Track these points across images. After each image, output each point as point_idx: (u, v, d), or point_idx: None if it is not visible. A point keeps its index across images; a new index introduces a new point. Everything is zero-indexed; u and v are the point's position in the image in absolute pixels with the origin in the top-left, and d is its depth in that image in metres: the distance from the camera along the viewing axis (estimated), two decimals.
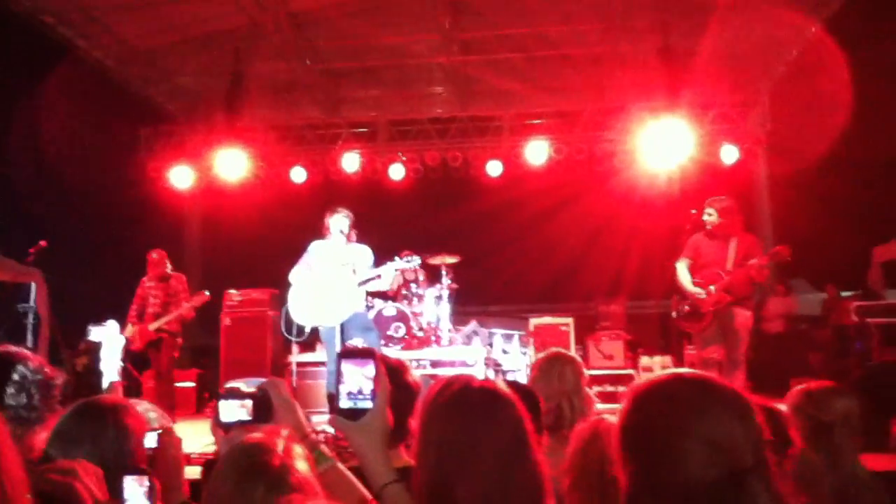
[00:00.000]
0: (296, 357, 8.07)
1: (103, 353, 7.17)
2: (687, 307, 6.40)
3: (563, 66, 11.16)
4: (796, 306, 10.58)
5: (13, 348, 2.38)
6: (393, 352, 8.40)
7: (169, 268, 8.12)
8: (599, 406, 3.82)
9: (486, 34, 10.65)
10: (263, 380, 1.78)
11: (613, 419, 2.32)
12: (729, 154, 10.21)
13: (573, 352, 8.48)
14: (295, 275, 6.75)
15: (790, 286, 10.70)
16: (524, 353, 8.98)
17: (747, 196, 11.68)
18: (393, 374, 2.44)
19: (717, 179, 10.19)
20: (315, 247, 6.78)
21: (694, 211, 6.52)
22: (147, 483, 1.66)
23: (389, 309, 8.63)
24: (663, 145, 9.75)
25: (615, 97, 11.07)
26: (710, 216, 6.33)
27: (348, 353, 1.60)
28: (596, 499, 2.12)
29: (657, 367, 8.29)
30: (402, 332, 8.52)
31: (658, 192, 10.78)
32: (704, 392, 1.37)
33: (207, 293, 8.01)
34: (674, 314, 6.59)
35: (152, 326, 7.76)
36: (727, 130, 10.46)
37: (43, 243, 7.56)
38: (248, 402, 1.68)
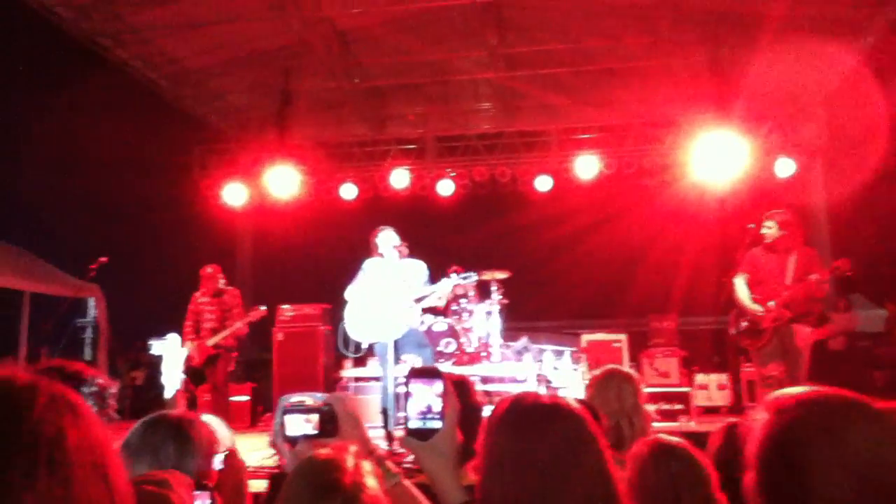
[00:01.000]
0: (349, 372, 8.09)
1: (164, 367, 7.29)
2: (745, 323, 6.25)
3: (609, 80, 11.11)
4: (857, 322, 10.27)
5: (65, 361, 2.42)
6: (444, 367, 8.40)
7: (222, 283, 8.22)
8: (656, 425, 3.71)
9: (532, 49, 10.67)
10: (324, 394, 1.78)
11: (671, 437, 2.29)
12: (785, 167, 10.00)
13: (627, 369, 8.42)
14: (351, 292, 6.80)
15: (851, 302, 10.40)
16: (575, 370, 8.88)
17: (803, 210, 11.40)
18: (458, 391, 2.43)
19: (770, 193, 9.98)
20: (370, 264, 6.83)
21: (752, 225, 6.38)
22: (209, 501, 1.67)
23: (440, 324, 8.62)
24: (716, 159, 9.59)
25: (664, 110, 10.95)
26: (770, 229, 6.19)
27: (417, 373, 1.59)
28: None
29: (713, 384, 8.13)
30: (452, 347, 8.50)
31: (710, 207, 10.61)
32: (870, 419, 1.23)
33: (264, 308, 8.10)
34: (732, 331, 6.44)
35: (210, 342, 7.86)
36: (782, 143, 10.25)
37: (104, 259, 7.73)
38: (314, 417, 1.67)
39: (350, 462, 1.48)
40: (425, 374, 1.57)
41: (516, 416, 1.58)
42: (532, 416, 1.57)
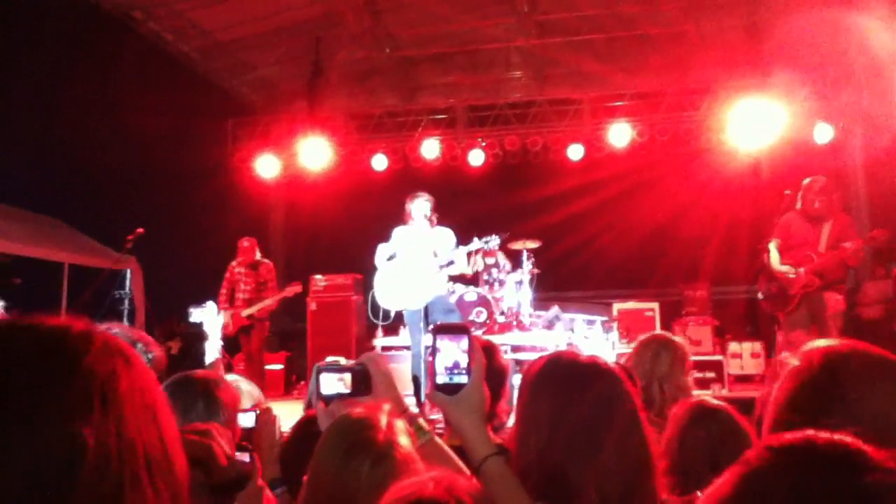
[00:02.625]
0: (380, 340, 8.17)
1: (206, 332, 7.44)
2: (773, 288, 6.15)
3: (643, 45, 10.91)
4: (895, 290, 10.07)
5: (120, 326, 2.47)
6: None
7: (258, 255, 8.35)
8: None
9: (564, 16, 10.51)
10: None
11: (714, 400, 2.28)
12: (823, 133, 9.78)
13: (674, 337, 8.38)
14: (380, 259, 6.83)
15: (889, 269, 10.19)
16: (606, 339, 8.86)
17: (842, 177, 11.18)
18: (485, 355, 2.45)
19: (808, 160, 9.78)
20: (398, 232, 6.85)
21: (788, 191, 6.27)
22: (248, 459, 1.70)
23: (471, 294, 8.64)
24: (752, 125, 9.43)
25: (699, 76, 10.75)
26: (807, 196, 6.06)
27: (443, 329, 1.60)
28: (705, 481, 2.06)
29: (746, 353, 8.06)
30: (483, 316, 8.52)
31: (745, 174, 10.43)
32: (874, 368, 1.23)
33: (299, 285, 8.23)
34: (759, 295, 6.35)
35: (245, 313, 8.01)
36: (821, 108, 10.00)
37: (140, 230, 7.85)
38: (348, 376, 1.70)
39: (383, 420, 1.50)
40: (452, 330, 1.58)
41: (554, 373, 1.60)
42: (570, 374, 1.59)
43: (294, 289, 8.16)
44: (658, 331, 3.49)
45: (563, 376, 1.59)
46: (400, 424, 1.52)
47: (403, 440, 1.48)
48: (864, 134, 10.46)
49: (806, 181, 6.20)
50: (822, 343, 1.32)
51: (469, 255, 7.02)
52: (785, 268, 6.04)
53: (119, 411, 0.78)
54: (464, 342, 1.57)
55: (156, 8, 9.88)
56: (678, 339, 3.43)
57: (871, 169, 10.89)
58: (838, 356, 1.27)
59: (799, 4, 9.12)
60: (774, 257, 6.18)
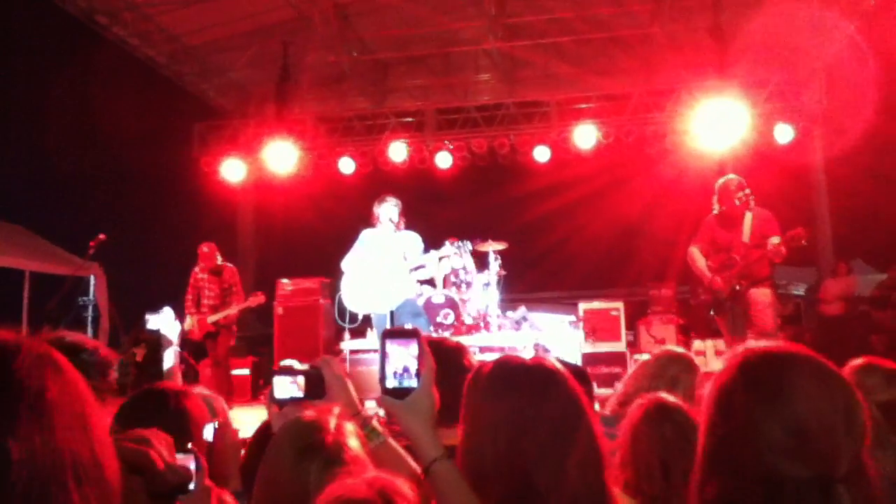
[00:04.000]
0: (348, 344, 8.16)
1: (165, 339, 7.35)
2: (704, 295, 6.19)
3: (612, 48, 11.04)
4: (856, 287, 10.27)
5: (67, 333, 2.44)
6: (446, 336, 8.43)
7: (220, 260, 8.27)
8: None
9: (533, 18, 10.58)
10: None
11: (671, 398, 2.28)
12: (784, 133, 9.94)
13: (623, 336, 8.45)
14: (347, 263, 6.83)
15: (849, 267, 10.40)
16: (573, 339, 8.93)
17: (803, 176, 11.40)
18: (453, 356, 2.46)
19: (770, 160, 9.94)
20: (366, 235, 6.85)
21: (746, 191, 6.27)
22: (193, 463, 1.70)
23: (438, 296, 8.65)
24: (716, 126, 9.57)
25: (666, 78, 10.89)
26: (725, 195, 6.05)
27: (392, 334, 1.61)
28: (655, 480, 2.08)
29: (710, 350, 8.16)
30: (451, 318, 8.53)
31: (709, 174, 10.57)
32: (806, 373, 1.25)
33: (262, 295, 8.18)
34: (693, 302, 6.39)
35: (211, 319, 7.95)
36: (782, 109, 10.17)
37: (102, 236, 7.75)
38: (301, 379, 1.71)
39: (332, 423, 1.51)
40: (401, 334, 1.59)
41: (503, 379, 1.61)
42: (520, 378, 1.60)
43: (257, 300, 8.12)
44: (669, 347, 3.35)
45: (512, 380, 1.60)
46: (349, 427, 1.53)
47: (353, 442, 1.49)
48: (825, 134, 10.66)
49: (720, 182, 6.21)
50: (741, 349, 1.36)
51: (440, 259, 7.05)
52: (709, 275, 6.09)
53: (47, 421, 0.78)
54: (413, 347, 1.58)
55: (122, 13, 9.78)
56: (691, 355, 3.23)
57: (832, 168, 11.10)
58: (753, 357, 1.31)
59: (761, 6, 9.28)
60: (701, 263, 6.19)
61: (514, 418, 1.54)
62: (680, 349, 3.28)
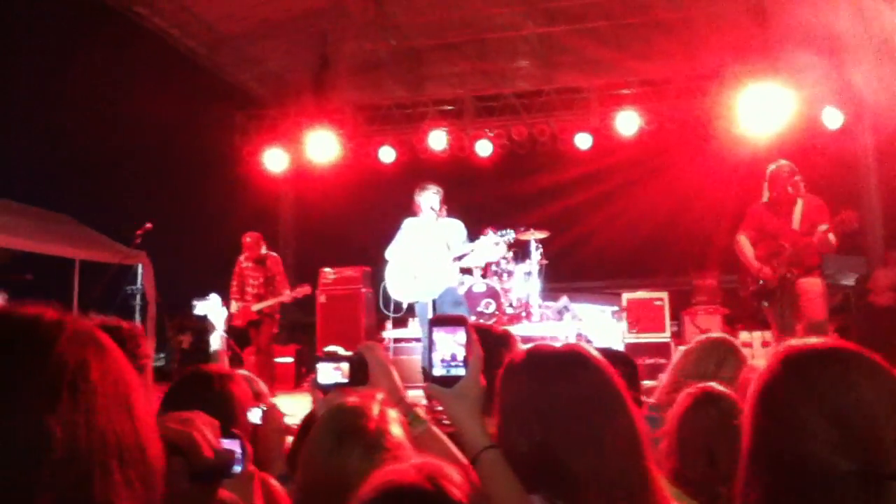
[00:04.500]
0: (390, 333, 8.19)
1: (213, 325, 7.47)
2: (753, 285, 6.03)
3: (652, 31, 10.84)
4: None
5: (104, 318, 2.46)
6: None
7: (264, 249, 8.35)
8: None
9: (571, 2, 10.45)
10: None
11: (720, 388, 2.25)
12: (832, 118, 9.68)
13: (668, 327, 8.34)
14: (391, 252, 6.84)
15: None
16: (616, 329, 8.85)
17: (852, 163, 11.09)
18: (500, 342, 2.45)
19: (818, 146, 9.69)
20: (408, 224, 6.86)
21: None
22: (238, 448, 1.71)
23: (480, 285, 8.63)
24: (761, 110, 9.36)
25: (708, 62, 10.66)
26: (777, 182, 5.91)
27: (439, 321, 1.60)
28: (699, 468, 2.07)
29: (757, 342, 8.00)
30: (492, 308, 8.52)
31: (754, 161, 10.36)
32: (852, 367, 1.24)
33: (308, 287, 8.27)
34: (743, 293, 6.23)
35: (255, 308, 8.04)
36: (830, 93, 9.89)
37: (149, 225, 7.88)
38: (345, 365, 1.71)
39: (375, 409, 1.51)
40: (448, 322, 1.58)
41: (536, 365, 1.60)
42: (551, 364, 1.59)
43: (303, 290, 8.20)
44: (718, 333, 3.34)
45: (544, 367, 1.59)
46: (392, 413, 1.53)
47: (395, 429, 1.48)
48: (875, 117, 10.35)
49: (771, 168, 6.04)
50: (784, 344, 1.35)
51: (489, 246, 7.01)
52: (757, 264, 5.95)
53: (89, 401, 0.77)
54: (460, 334, 1.56)
55: (160, 3, 9.89)
56: (738, 343, 3.23)
57: (882, 153, 10.78)
58: (798, 356, 1.30)
59: None
60: (749, 252, 6.05)
61: (549, 404, 1.53)
62: (721, 334, 3.27)
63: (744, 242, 6.12)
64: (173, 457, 1.11)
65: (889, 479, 1.13)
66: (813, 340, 1.32)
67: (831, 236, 5.52)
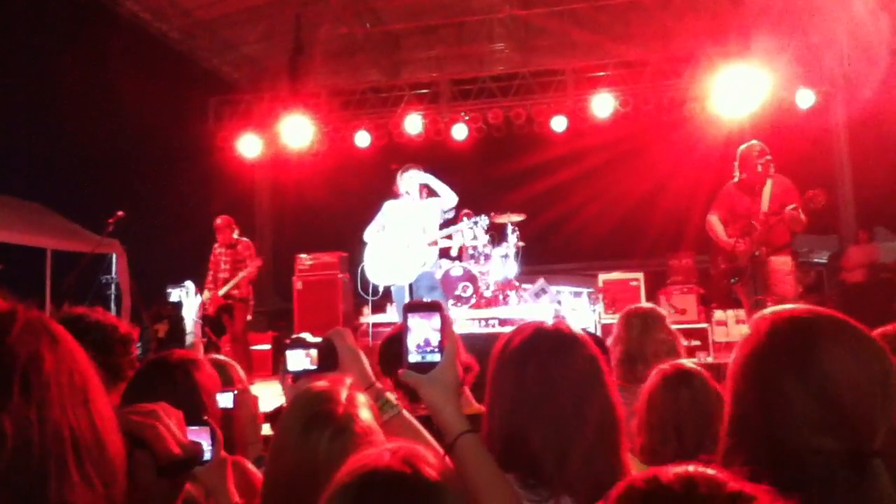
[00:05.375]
0: (368, 318, 8.17)
1: (185, 312, 7.39)
2: (723, 263, 6.11)
3: (628, 13, 10.85)
4: (879, 254, 10.13)
5: (88, 309, 2.44)
6: (462, 311, 8.44)
7: (236, 234, 8.26)
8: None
9: None
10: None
11: (692, 365, 2.28)
12: (805, 98, 9.77)
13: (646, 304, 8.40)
14: (369, 234, 6.81)
15: (871, 234, 10.25)
16: (593, 311, 8.90)
17: (825, 142, 11.20)
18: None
19: (791, 126, 9.77)
20: (388, 206, 6.82)
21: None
22: (208, 435, 1.70)
23: (457, 269, 8.64)
24: (736, 91, 9.41)
25: (684, 43, 10.70)
26: (747, 163, 5.95)
27: (414, 307, 1.59)
28: (669, 444, 2.09)
29: (731, 320, 8.10)
30: (469, 291, 8.53)
31: (728, 142, 10.43)
32: (840, 339, 1.19)
33: (259, 260, 8.18)
34: (714, 272, 6.30)
35: (220, 292, 7.97)
36: (803, 74, 9.97)
37: (121, 213, 7.78)
38: (314, 352, 1.70)
39: (343, 394, 1.51)
40: (423, 308, 1.57)
41: (527, 345, 1.62)
42: (544, 344, 1.62)
43: (255, 263, 8.08)
44: (631, 305, 3.48)
45: (524, 345, 1.61)
46: (361, 398, 1.53)
47: (364, 413, 1.48)
48: (847, 97, 10.45)
49: (742, 149, 6.07)
50: (769, 313, 1.31)
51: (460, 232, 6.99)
52: (730, 241, 6.01)
53: (42, 395, 0.75)
54: (435, 320, 1.56)
55: None
56: (649, 305, 3.48)
57: (854, 134, 10.89)
58: (782, 322, 1.26)
59: None
60: (720, 231, 6.12)
61: (537, 381, 1.56)
62: (633, 305, 3.44)
63: (715, 222, 6.18)
64: (138, 450, 1.09)
65: (872, 457, 1.11)
66: (801, 307, 1.28)
67: (801, 214, 5.57)
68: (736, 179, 6.11)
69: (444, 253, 8.26)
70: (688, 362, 2.35)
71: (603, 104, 10.34)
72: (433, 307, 1.57)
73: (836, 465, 1.11)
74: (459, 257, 8.88)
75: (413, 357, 1.55)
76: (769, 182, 5.90)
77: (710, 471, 0.78)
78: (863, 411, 1.14)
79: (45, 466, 0.73)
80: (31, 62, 11.13)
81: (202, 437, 1.68)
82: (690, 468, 0.78)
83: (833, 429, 1.13)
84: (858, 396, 1.15)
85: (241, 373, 2.61)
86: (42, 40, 10.98)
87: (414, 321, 1.56)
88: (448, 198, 6.61)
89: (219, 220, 8.20)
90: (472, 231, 7.10)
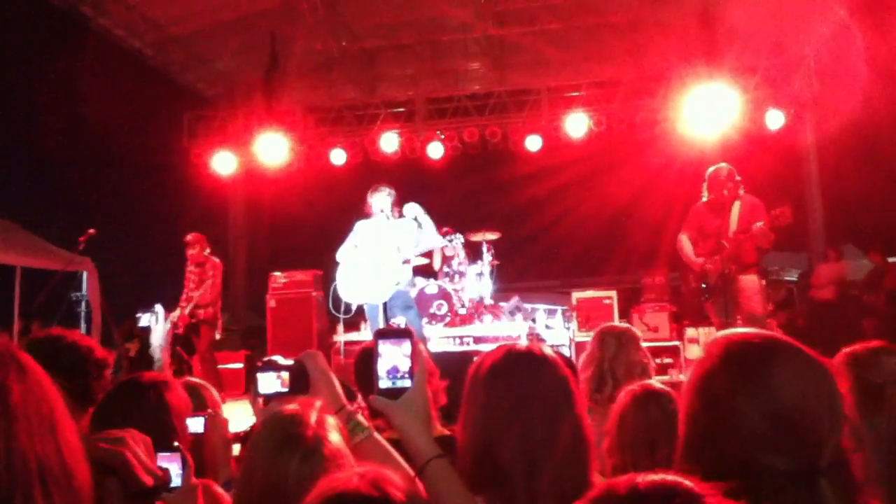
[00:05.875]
0: (341, 336, 8.14)
1: (153, 339, 7.30)
2: (693, 282, 6.22)
3: (602, 34, 10.99)
4: (847, 272, 10.29)
5: (64, 331, 2.42)
6: (437, 329, 8.44)
7: (207, 251, 8.14)
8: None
9: (523, 5, 10.53)
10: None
11: (658, 385, 2.32)
12: (774, 119, 9.95)
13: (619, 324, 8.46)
14: (342, 253, 6.79)
15: (841, 252, 10.43)
16: (567, 328, 8.94)
17: (794, 162, 11.40)
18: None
19: (761, 146, 9.93)
20: (360, 226, 6.82)
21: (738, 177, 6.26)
22: (179, 461, 1.68)
23: (431, 287, 8.64)
24: (707, 112, 9.56)
25: (656, 65, 10.86)
26: (715, 185, 6.05)
27: (385, 334, 1.60)
28: (642, 461, 2.11)
29: (702, 337, 8.17)
30: (444, 309, 8.54)
31: (700, 161, 10.57)
32: (790, 362, 1.23)
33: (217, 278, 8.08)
34: (684, 290, 6.39)
35: (186, 311, 7.87)
36: (772, 95, 10.17)
37: (92, 231, 7.68)
38: (285, 374, 1.70)
39: (313, 417, 1.50)
40: (393, 334, 1.58)
41: (499, 366, 1.63)
42: (515, 366, 1.63)
43: (214, 284, 8.00)
44: (606, 324, 3.54)
45: (496, 367, 1.63)
46: (331, 420, 1.52)
47: (333, 436, 1.48)
48: (815, 119, 10.65)
49: (710, 171, 6.17)
50: (723, 334, 1.34)
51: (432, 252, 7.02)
52: (700, 260, 6.09)
53: (9, 424, 0.75)
54: (406, 346, 1.57)
55: (106, 4, 9.69)
56: (624, 324, 3.54)
57: (823, 153, 11.10)
58: (734, 345, 1.28)
59: None
60: (689, 250, 6.20)
61: (507, 402, 1.56)
62: (608, 324, 3.53)
63: (684, 241, 6.26)
64: (107, 477, 1.08)
65: (820, 475, 1.14)
66: (752, 331, 1.32)
67: (767, 229, 5.66)
68: (705, 199, 6.20)
69: (423, 269, 8.27)
70: (655, 382, 2.38)
71: (577, 123, 10.45)
72: (404, 333, 1.58)
73: (785, 484, 1.14)
74: (435, 275, 8.89)
75: (384, 383, 1.56)
76: (737, 203, 6.00)
77: (688, 482, 0.79)
78: (811, 430, 1.18)
79: (12, 496, 0.73)
80: (2, 77, 11.02)
81: (172, 463, 1.66)
82: (669, 477, 0.80)
83: (782, 447, 1.16)
84: (807, 416, 1.18)
85: (216, 394, 2.59)
86: (14, 56, 10.89)
87: (385, 347, 1.56)
88: (432, 237, 6.64)
89: (189, 237, 8.10)
90: (449, 246, 7.13)
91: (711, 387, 1.27)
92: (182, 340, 7.86)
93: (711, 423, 1.25)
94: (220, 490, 2.05)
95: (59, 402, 0.83)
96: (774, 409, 1.18)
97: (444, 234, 6.88)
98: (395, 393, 1.55)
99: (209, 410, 2.39)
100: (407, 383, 1.55)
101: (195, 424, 2.15)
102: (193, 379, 2.62)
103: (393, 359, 1.56)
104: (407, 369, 1.55)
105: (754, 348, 1.27)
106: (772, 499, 1.13)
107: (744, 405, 1.20)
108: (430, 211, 6.64)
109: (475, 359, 1.72)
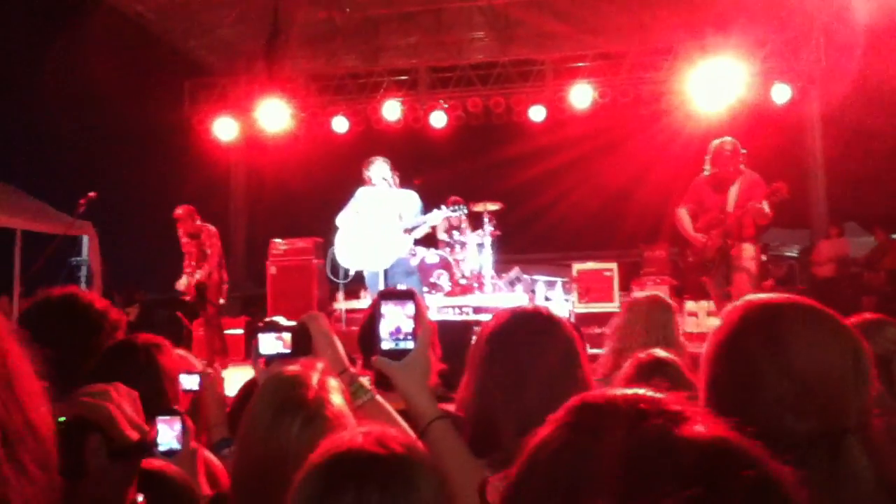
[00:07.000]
0: (342, 304, 8.14)
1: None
2: (691, 256, 6.19)
3: (608, 5, 10.86)
4: (848, 249, 10.29)
5: (79, 291, 2.40)
6: (436, 298, 8.45)
7: (198, 222, 8.04)
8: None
9: None
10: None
11: (666, 354, 2.31)
12: (781, 93, 9.86)
13: (617, 297, 8.47)
14: (342, 219, 6.77)
15: (842, 229, 10.41)
16: (567, 300, 8.95)
17: (799, 137, 11.32)
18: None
19: (766, 120, 9.86)
20: (362, 193, 6.79)
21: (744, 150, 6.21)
22: (179, 425, 1.67)
23: (432, 256, 8.63)
24: (713, 85, 9.48)
25: (662, 37, 10.74)
26: (719, 159, 6.02)
27: (387, 294, 1.59)
28: None
29: (702, 311, 8.18)
30: (445, 279, 8.54)
31: (705, 135, 10.50)
32: (813, 323, 1.21)
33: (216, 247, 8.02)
34: (682, 264, 6.37)
35: (191, 281, 7.82)
36: (779, 69, 10.06)
37: (93, 194, 7.65)
38: (287, 336, 1.69)
39: (315, 378, 1.49)
40: (396, 295, 1.57)
41: (507, 327, 1.64)
42: (523, 326, 1.64)
43: (213, 252, 7.95)
44: (650, 292, 3.47)
45: (504, 328, 1.64)
46: (333, 383, 1.52)
47: (335, 398, 1.47)
48: (822, 93, 10.56)
49: (714, 144, 6.09)
50: (741, 301, 1.31)
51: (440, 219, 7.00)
52: (698, 235, 6.07)
53: None
54: (409, 307, 1.56)
55: None
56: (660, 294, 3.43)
57: (828, 129, 11.02)
58: (754, 309, 1.26)
59: None
60: (687, 224, 6.18)
61: (507, 363, 1.57)
62: (647, 293, 3.54)
63: (683, 215, 6.23)
64: (89, 433, 1.05)
65: (845, 435, 1.12)
66: (772, 295, 1.29)
67: (766, 206, 5.62)
68: (707, 173, 6.16)
69: (424, 238, 8.26)
70: (661, 352, 2.38)
71: (581, 95, 10.36)
72: (407, 295, 1.57)
73: (812, 446, 1.12)
74: (436, 245, 8.87)
75: (386, 344, 1.55)
76: (738, 179, 5.96)
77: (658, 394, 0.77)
78: (835, 391, 1.16)
79: None
80: (2, 42, 10.92)
81: (173, 427, 1.66)
82: (641, 391, 0.78)
83: (807, 409, 1.14)
84: (831, 377, 1.16)
85: (199, 364, 2.55)
86: (15, 20, 10.78)
87: (387, 308, 1.55)
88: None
89: (179, 211, 7.93)
90: (454, 216, 7.10)
91: (732, 351, 1.25)
92: (185, 306, 7.86)
93: (733, 387, 1.23)
94: (211, 457, 2.05)
95: (20, 356, 0.79)
96: (797, 370, 1.16)
97: (449, 204, 6.84)
98: (397, 354, 1.54)
99: (205, 368, 2.39)
100: (409, 345, 1.54)
101: (190, 382, 2.15)
102: (179, 352, 2.58)
103: (396, 320, 1.55)
104: (410, 331, 1.55)
105: (774, 310, 1.25)
106: (797, 461, 1.12)
107: (766, 367, 1.18)
108: (432, 180, 6.61)
109: (478, 327, 1.73)
